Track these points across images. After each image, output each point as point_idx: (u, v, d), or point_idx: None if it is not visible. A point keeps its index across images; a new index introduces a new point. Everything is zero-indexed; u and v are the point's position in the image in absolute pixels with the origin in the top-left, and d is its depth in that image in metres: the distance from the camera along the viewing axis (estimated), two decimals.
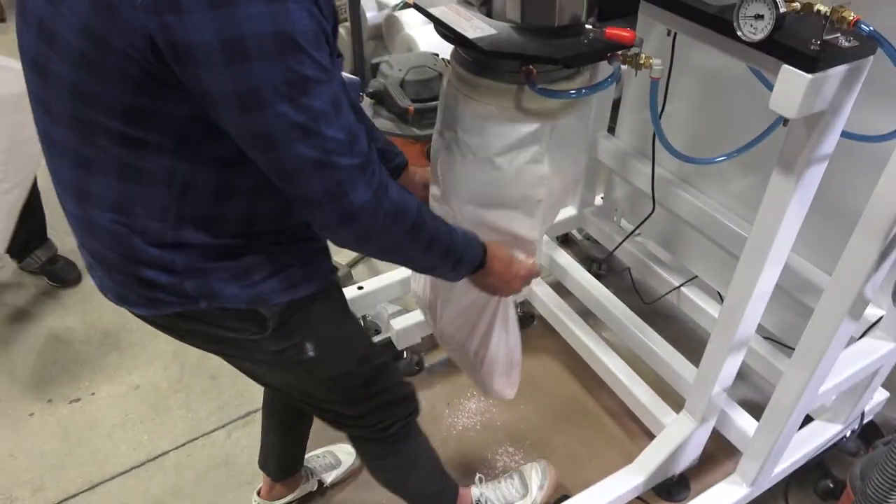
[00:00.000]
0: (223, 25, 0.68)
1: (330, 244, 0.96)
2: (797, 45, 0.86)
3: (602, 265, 2.16)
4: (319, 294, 1.00)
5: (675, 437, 1.45)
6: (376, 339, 1.90)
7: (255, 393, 1.76)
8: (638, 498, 1.52)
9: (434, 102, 2.11)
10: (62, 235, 2.16)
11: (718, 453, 1.63)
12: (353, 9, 2.65)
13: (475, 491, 1.50)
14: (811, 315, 1.12)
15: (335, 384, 1.12)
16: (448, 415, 1.78)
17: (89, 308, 2.09)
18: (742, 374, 1.75)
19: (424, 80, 2.11)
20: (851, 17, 0.84)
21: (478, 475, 1.58)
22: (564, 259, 1.94)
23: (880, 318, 1.36)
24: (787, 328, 1.60)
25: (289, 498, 1.55)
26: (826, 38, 0.86)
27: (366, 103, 2.19)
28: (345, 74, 1.82)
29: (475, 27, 0.94)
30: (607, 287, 1.86)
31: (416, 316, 1.82)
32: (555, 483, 1.56)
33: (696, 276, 1.81)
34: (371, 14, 2.90)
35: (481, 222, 1.11)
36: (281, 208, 0.91)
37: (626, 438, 1.73)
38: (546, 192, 1.08)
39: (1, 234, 1.74)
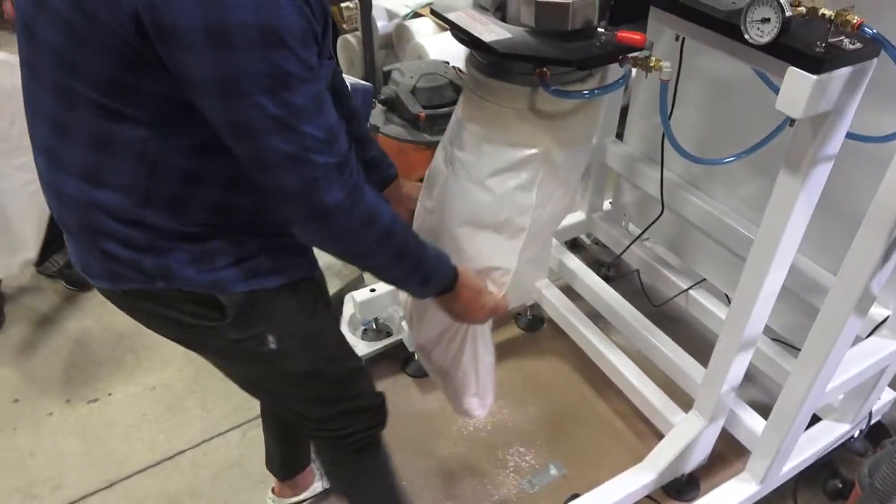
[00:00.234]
0: (209, 11, 0.68)
1: None
2: (803, 47, 0.89)
3: (610, 269, 2.19)
4: (288, 287, 0.99)
5: (685, 435, 1.47)
6: (387, 341, 1.93)
7: None
8: (648, 497, 1.54)
9: (445, 109, 2.14)
10: None
11: (727, 454, 1.64)
12: (365, 19, 2.69)
13: None
14: (818, 315, 1.15)
15: (301, 381, 1.09)
16: (459, 416, 1.80)
17: (105, 311, 2.12)
18: (750, 377, 1.78)
19: (435, 87, 2.14)
20: (855, 21, 0.87)
21: None
22: (574, 263, 1.96)
23: (886, 318, 1.38)
24: (795, 329, 1.62)
25: (302, 496, 1.57)
26: (831, 40, 0.89)
27: (377, 110, 2.22)
28: (358, 81, 1.86)
29: (491, 31, 0.97)
30: (616, 291, 1.89)
31: None
32: None
33: (704, 279, 1.83)
34: (381, 24, 2.95)
35: (464, 241, 1.13)
36: (256, 204, 0.90)
37: (636, 439, 1.75)
38: (530, 222, 1.09)
39: (34, 235, 1.78)
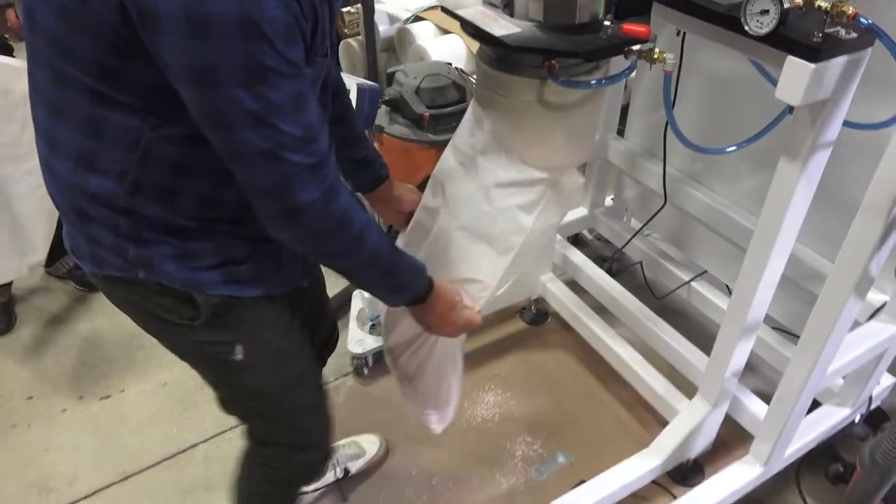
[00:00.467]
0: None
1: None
2: (800, 37, 0.93)
3: (613, 264, 2.22)
4: (267, 299, 0.99)
5: (690, 421, 1.50)
6: None
7: None
8: (653, 482, 1.58)
9: (448, 109, 2.19)
10: None
11: (731, 440, 1.68)
12: (368, 23, 2.73)
13: None
14: (819, 297, 1.19)
15: (257, 397, 1.08)
16: (467, 407, 1.84)
17: (115, 311, 2.11)
18: (752, 366, 1.82)
19: (439, 88, 2.19)
20: (851, 11, 0.91)
21: None
22: (578, 257, 2.00)
23: (885, 304, 1.42)
24: (795, 318, 1.65)
25: (314, 486, 1.60)
26: (827, 31, 0.93)
27: (382, 110, 2.26)
28: (365, 81, 1.90)
29: (501, 26, 1.01)
30: (619, 284, 1.92)
31: None
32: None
33: (706, 272, 1.87)
34: (383, 28, 2.99)
35: (456, 246, 1.13)
36: (245, 198, 0.89)
37: (641, 428, 1.78)
38: (521, 243, 1.09)
39: (43, 238, 1.81)
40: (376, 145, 2.29)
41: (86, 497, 1.65)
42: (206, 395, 1.89)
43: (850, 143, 1.17)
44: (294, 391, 1.11)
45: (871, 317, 1.44)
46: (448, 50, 2.62)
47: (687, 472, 1.63)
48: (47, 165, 0.89)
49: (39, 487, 1.67)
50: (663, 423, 1.64)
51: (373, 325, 1.99)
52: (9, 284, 2.11)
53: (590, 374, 1.93)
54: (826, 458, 1.66)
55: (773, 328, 1.69)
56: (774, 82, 1.00)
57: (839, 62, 0.95)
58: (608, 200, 2.17)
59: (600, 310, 1.92)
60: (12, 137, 1.74)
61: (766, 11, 0.94)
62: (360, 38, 2.89)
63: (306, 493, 1.60)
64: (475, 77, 2.35)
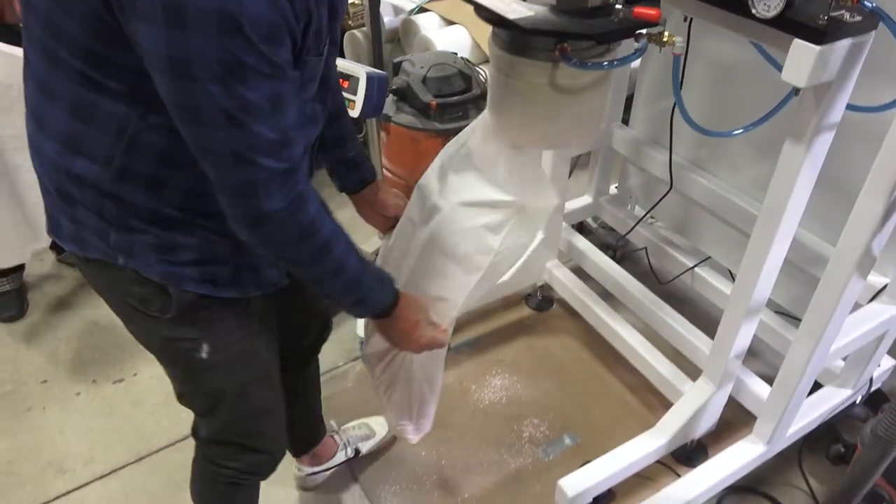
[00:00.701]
0: None
1: None
2: (806, 20, 0.96)
3: (617, 251, 2.25)
4: (240, 301, 0.99)
5: (695, 401, 1.53)
6: None
7: None
8: (658, 462, 1.61)
9: (455, 98, 2.21)
10: None
11: (734, 422, 1.71)
12: (374, 14, 2.76)
13: None
14: (822, 277, 1.22)
15: (213, 395, 1.09)
16: (475, 390, 1.87)
17: None
18: (755, 351, 1.85)
19: (445, 77, 2.21)
20: None
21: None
22: (583, 243, 2.03)
23: (886, 286, 1.45)
24: (798, 302, 1.69)
25: (325, 465, 1.63)
26: (832, 14, 0.96)
27: (389, 99, 2.29)
28: (374, 69, 1.92)
29: (514, 10, 1.04)
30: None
31: None
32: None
33: (709, 257, 1.90)
34: (388, 19, 3.01)
35: (429, 262, 1.12)
36: None
37: (646, 411, 1.82)
38: (489, 263, 1.08)
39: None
40: (383, 135, 2.32)
41: (101, 477, 1.68)
42: None
43: (852, 127, 1.20)
44: (253, 394, 1.11)
45: (872, 299, 1.47)
46: (453, 40, 2.64)
47: (691, 453, 1.66)
48: (34, 144, 0.89)
49: (56, 468, 1.70)
50: (668, 406, 1.67)
51: None
52: (21, 272, 2.14)
53: (595, 359, 1.96)
54: (827, 439, 1.70)
55: (776, 312, 1.72)
56: (778, 67, 1.03)
57: (844, 45, 0.98)
58: (612, 189, 2.20)
59: (605, 296, 1.95)
60: (21, 129, 1.76)
61: None
62: (364, 29, 2.92)
63: (317, 472, 1.63)
64: (481, 67, 2.38)
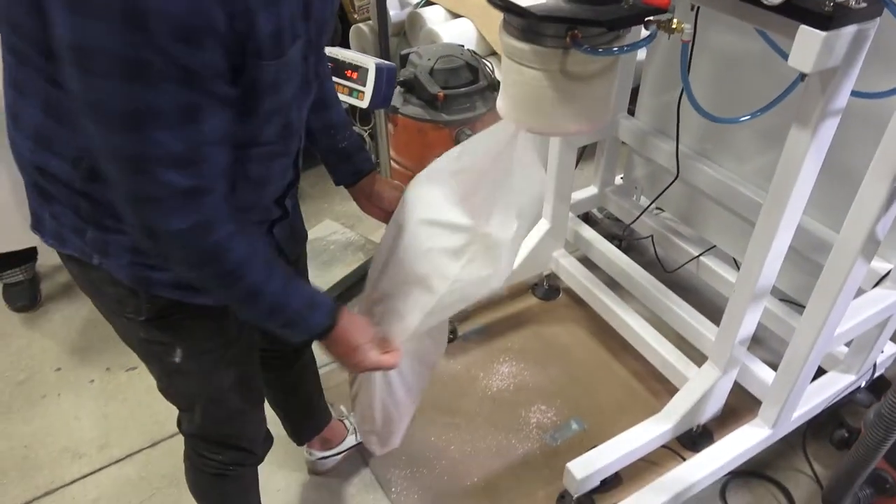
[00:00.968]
0: None
1: None
2: (812, 6, 0.98)
3: (623, 241, 2.28)
4: (216, 309, 0.97)
5: (701, 386, 1.56)
6: None
7: None
8: (664, 446, 1.63)
9: (462, 89, 2.23)
10: None
11: (739, 409, 1.73)
12: (381, 8, 2.78)
13: None
14: (827, 260, 1.24)
15: (189, 396, 1.11)
16: (482, 377, 1.90)
17: None
18: (759, 339, 1.87)
19: (452, 69, 2.23)
20: None
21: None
22: (589, 233, 2.06)
23: (889, 272, 1.47)
24: (802, 290, 1.71)
25: (335, 450, 1.65)
26: (838, 0, 0.98)
27: (396, 91, 2.31)
28: (383, 61, 1.95)
29: None
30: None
31: None
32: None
33: (714, 246, 1.92)
34: (393, 12, 3.03)
35: (394, 276, 1.07)
36: None
37: (652, 397, 1.84)
38: (446, 290, 0.99)
39: None
40: (390, 126, 2.34)
41: (116, 462, 1.71)
42: None
43: (856, 114, 1.22)
44: (228, 399, 1.11)
45: (876, 285, 1.49)
46: (459, 33, 2.67)
47: (696, 439, 1.69)
48: (12, 141, 0.87)
49: (72, 452, 1.73)
50: (673, 393, 1.70)
51: None
52: (34, 262, 2.17)
53: (601, 347, 1.99)
54: (831, 424, 1.72)
55: (781, 300, 1.74)
56: (784, 55, 1.05)
57: (849, 31, 1.00)
58: (618, 179, 2.22)
59: (611, 284, 1.97)
60: None
61: None
62: (370, 22, 2.94)
63: (327, 457, 1.66)
64: (488, 59, 2.40)
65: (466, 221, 0.96)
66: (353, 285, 2.12)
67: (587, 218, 2.37)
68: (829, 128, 1.13)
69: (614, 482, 1.62)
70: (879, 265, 1.48)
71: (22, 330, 2.07)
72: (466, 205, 1.04)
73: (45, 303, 2.17)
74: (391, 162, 2.29)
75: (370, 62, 1.93)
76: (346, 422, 1.69)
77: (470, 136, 2.24)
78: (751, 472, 1.66)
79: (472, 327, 2.04)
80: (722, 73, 1.70)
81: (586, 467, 1.46)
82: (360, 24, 3.07)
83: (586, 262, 2.07)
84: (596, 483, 1.51)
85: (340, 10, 3.01)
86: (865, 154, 1.17)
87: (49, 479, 1.67)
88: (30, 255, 2.12)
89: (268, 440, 1.30)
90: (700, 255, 1.90)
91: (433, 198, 0.98)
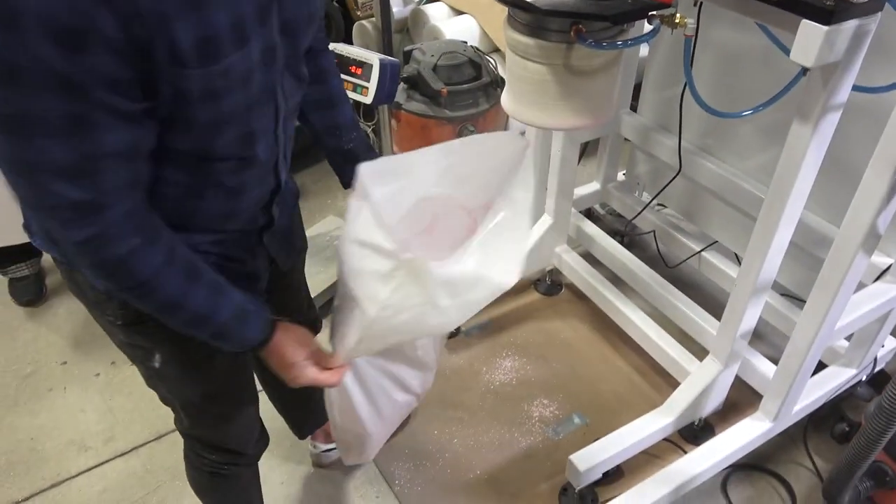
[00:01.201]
0: None
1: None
2: (814, 1, 0.99)
3: (625, 237, 2.29)
4: None
5: (702, 379, 1.57)
6: None
7: None
8: (666, 440, 1.65)
9: (465, 85, 2.24)
10: None
11: (740, 403, 1.74)
12: (384, 5, 2.79)
13: None
14: (829, 253, 1.25)
15: (174, 401, 1.12)
16: (485, 372, 1.91)
17: None
18: (760, 334, 1.88)
19: (456, 65, 2.24)
20: None
21: None
22: (592, 229, 2.07)
23: (890, 266, 1.48)
24: (803, 284, 1.72)
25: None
26: None
27: (399, 88, 2.32)
28: (387, 57, 1.96)
29: None
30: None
31: None
32: None
33: (716, 242, 1.93)
34: (396, 9, 3.04)
35: (341, 288, 0.99)
36: (179, 203, 0.84)
37: (654, 392, 1.85)
38: (376, 315, 0.91)
39: None
40: (393, 122, 2.35)
41: (122, 454, 1.73)
42: None
43: (856, 109, 1.23)
44: (211, 405, 1.11)
45: (877, 279, 1.50)
46: (461, 30, 2.67)
47: (698, 432, 1.70)
48: None
49: (78, 445, 1.74)
50: (675, 388, 1.71)
51: None
52: (39, 257, 2.18)
53: (603, 342, 2.00)
54: (832, 418, 1.73)
55: (782, 294, 1.75)
56: (786, 50, 1.06)
57: (850, 25, 1.01)
58: (620, 176, 2.23)
59: (613, 280, 1.99)
60: None
61: None
62: (373, 19, 2.95)
63: (331, 449, 1.68)
64: (490, 55, 2.41)
65: (389, 245, 0.87)
66: None
67: (590, 214, 2.38)
68: (831, 122, 1.14)
69: (616, 475, 1.63)
70: (880, 259, 1.49)
71: (28, 324, 2.09)
72: (407, 224, 0.97)
73: (50, 297, 2.18)
74: None
75: (374, 58, 1.94)
76: None
77: (473, 132, 2.27)
78: (752, 465, 1.67)
79: (475, 322, 2.05)
80: (724, 69, 1.71)
81: (589, 459, 1.47)
82: (364, 21, 3.08)
83: (589, 257, 2.08)
84: (598, 475, 1.52)
85: (343, 7, 3.02)
86: (866, 149, 1.18)
87: (55, 472, 1.69)
88: (35, 249, 2.13)
89: (261, 441, 1.29)
90: (702, 250, 1.91)
91: (364, 214, 0.89)
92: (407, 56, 2.37)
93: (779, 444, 1.69)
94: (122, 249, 0.74)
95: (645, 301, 1.92)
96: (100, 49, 0.62)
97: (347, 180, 1.14)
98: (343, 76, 1.90)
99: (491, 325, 2.05)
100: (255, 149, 0.85)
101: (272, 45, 0.79)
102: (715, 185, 1.75)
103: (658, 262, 2.10)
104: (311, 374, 0.96)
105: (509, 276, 0.94)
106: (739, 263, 1.88)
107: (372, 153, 1.14)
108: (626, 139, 2.06)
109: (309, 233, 1.25)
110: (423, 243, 1.02)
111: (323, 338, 1.20)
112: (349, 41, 2.99)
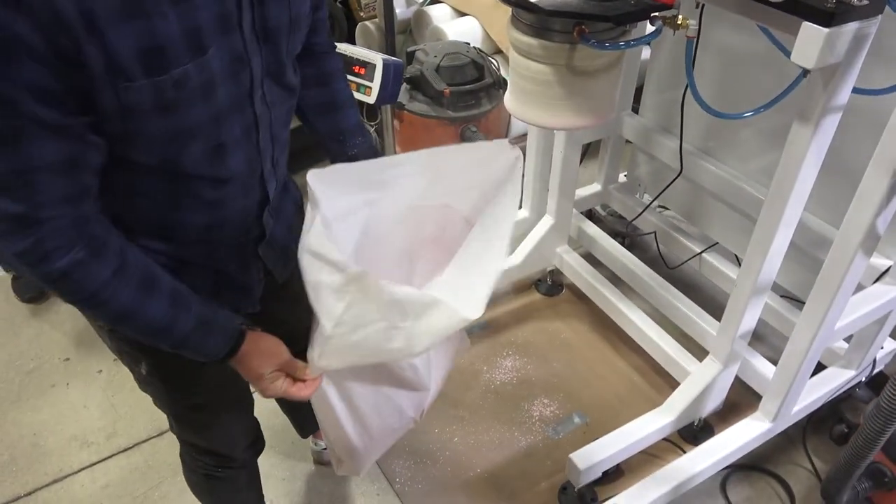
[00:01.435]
0: None
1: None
2: (815, 3, 1.00)
3: (626, 239, 2.30)
4: None
5: (702, 379, 1.58)
6: None
7: None
8: (665, 439, 1.65)
9: (467, 86, 2.26)
10: None
11: (740, 404, 1.75)
12: (388, 6, 2.80)
13: None
14: (828, 255, 1.26)
15: (161, 405, 1.12)
16: (486, 371, 1.92)
17: None
18: (761, 335, 1.89)
19: (458, 66, 2.26)
20: None
21: None
22: (593, 229, 2.08)
23: (889, 268, 1.49)
24: (803, 285, 1.73)
25: None
26: None
27: (402, 88, 2.33)
28: (390, 57, 1.97)
29: None
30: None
31: None
32: None
33: (717, 243, 1.94)
34: (400, 10, 3.05)
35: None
36: (162, 214, 0.83)
37: (654, 392, 1.86)
38: (331, 332, 0.87)
39: None
40: (396, 122, 2.36)
41: (124, 450, 1.73)
42: None
43: (856, 111, 1.24)
44: (199, 415, 1.11)
45: (876, 281, 1.51)
46: (464, 31, 2.69)
47: (698, 432, 1.70)
48: None
49: (80, 440, 1.75)
50: (675, 387, 1.72)
51: None
52: None
53: (604, 342, 2.01)
54: (831, 419, 1.74)
55: (782, 296, 1.76)
56: (786, 52, 1.07)
57: (851, 28, 1.02)
58: (621, 177, 2.24)
59: (614, 280, 2.00)
60: None
61: None
62: (376, 20, 2.96)
63: None
64: (493, 57, 2.42)
65: (337, 257, 0.83)
66: None
67: (591, 215, 2.39)
68: (831, 124, 1.15)
69: (615, 474, 1.64)
70: (879, 261, 1.50)
71: (31, 320, 2.10)
72: (402, 233, 0.94)
73: (52, 295, 2.19)
74: None
75: (378, 58, 1.95)
76: None
77: (475, 132, 2.28)
78: (751, 465, 1.68)
79: (476, 322, 2.05)
80: (725, 71, 1.72)
81: (589, 458, 1.48)
82: (367, 22, 3.09)
83: (589, 258, 2.09)
84: (598, 474, 1.53)
85: (346, 7, 3.03)
86: (866, 150, 1.19)
87: (58, 467, 1.70)
88: None
89: (255, 445, 1.28)
90: (702, 251, 1.92)
91: (316, 225, 0.85)
92: (410, 57, 2.39)
93: (778, 444, 1.70)
94: (63, 262, 0.72)
95: (645, 302, 1.93)
96: (23, 59, 0.60)
97: None
98: (346, 76, 1.92)
99: (492, 324, 2.06)
100: (226, 161, 0.82)
101: (238, 54, 0.76)
102: (716, 186, 1.76)
103: (658, 263, 2.11)
104: (279, 386, 0.93)
105: (473, 311, 0.89)
106: (739, 265, 1.89)
107: (377, 158, 1.07)
108: (627, 141, 2.07)
109: None
110: (431, 254, 1.00)
111: None
112: (352, 42, 3.00)
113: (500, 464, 1.69)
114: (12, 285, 2.16)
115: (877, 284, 1.49)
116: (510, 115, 2.04)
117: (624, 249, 2.01)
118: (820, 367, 1.63)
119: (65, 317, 2.11)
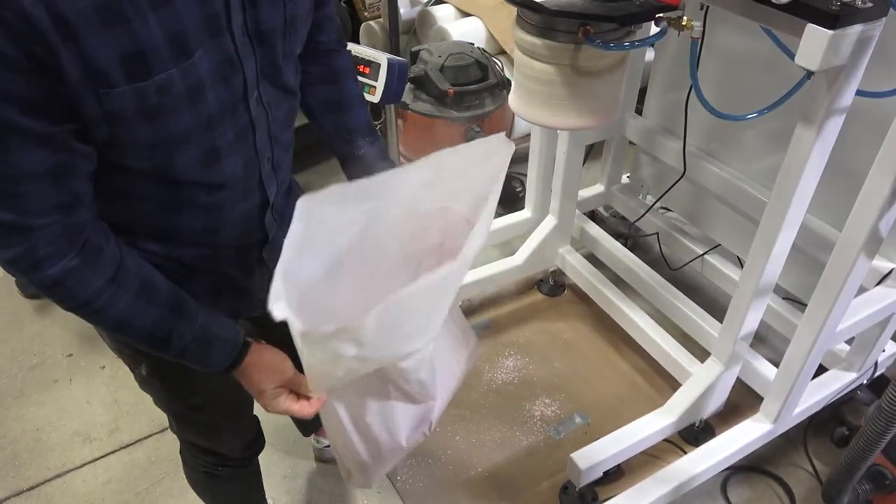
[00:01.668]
0: None
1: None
2: (820, 5, 1.00)
3: (628, 239, 2.30)
4: None
5: (704, 380, 1.58)
6: None
7: None
8: (666, 440, 1.66)
9: (472, 86, 2.26)
10: None
11: (741, 406, 1.75)
12: (392, 6, 2.81)
13: None
14: (831, 256, 1.26)
15: (160, 405, 1.13)
16: (487, 370, 1.92)
17: None
18: (762, 337, 1.90)
19: (462, 66, 2.26)
20: None
21: None
22: (595, 230, 2.08)
23: (891, 271, 1.49)
24: (805, 288, 1.73)
25: None
26: (844, 0, 1.01)
27: (406, 88, 2.34)
28: (395, 56, 1.97)
29: None
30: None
31: None
32: None
33: (719, 245, 1.94)
34: (404, 10, 3.06)
35: None
36: (160, 216, 0.83)
37: (656, 393, 1.86)
38: (307, 371, 0.83)
39: None
40: (400, 122, 2.37)
41: (126, 446, 1.74)
42: None
43: (860, 114, 1.24)
44: (198, 416, 1.12)
45: (878, 283, 1.51)
46: (468, 31, 2.69)
47: (699, 434, 1.71)
48: None
49: (83, 436, 1.76)
50: (676, 388, 1.72)
51: None
52: None
53: (605, 343, 2.01)
54: (832, 422, 1.74)
55: (784, 298, 1.76)
56: (790, 54, 1.07)
57: (855, 30, 1.02)
58: (624, 178, 2.24)
59: (616, 281, 2.00)
60: None
61: None
62: (380, 20, 2.96)
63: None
64: (497, 57, 2.43)
65: (285, 314, 0.77)
66: None
67: (593, 215, 2.39)
68: (834, 126, 1.16)
69: (616, 474, 1.65)
70: (882, 264, 1.50)
71: (34, 316, 2.10)
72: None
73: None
74: (400, 157, 2.32)
75: (382, 57, 1.95)
76: None
77: (479, 132, 2.28)
78: (752, 466, 1.68)
79: (479, 321, 2.06)
80: (729, 73, 1.72)
81: (590, 458, 1.48)
82: (371, 22, 3.10)
83: (592, 259, 2.09)
84: (599, 474, 1.54)
85: (351, 7, 3.03)
86: (869, 153, 1.19)
87: (60, 462, 1.70)
88: None
89: (254, 445, 1.28)
90: (705, 253, 1.93)
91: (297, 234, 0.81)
92: (414, 56, 2.39)
93: (779, 446, 1.70)
94: (55, 270, 0.72)
95: (647, 303, 1.93)
96: (6, 68, 0.60)
97: None
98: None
99: (494, 324, 2.06)
100: (221, 166, 0.81)
101: (229, 57, 0.74)
102: (718, 188, 1.77)
103: (661, 265, 2.11)
104: (282, 403, 0.90)
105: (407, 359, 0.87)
106: (742, 266, 1.89)
107: (386, 162, 1.04)
108: (630, 142, 2.08)
109: None
110: (437, 259, 0.96)
111: None
112: (356, 42, 3.01)
113: (502, 463, 1.70)
114: (16, 281, 2.17)
115: (879, 287, 1.49)
116: (514, 115, 2.04)
117: (626, 250, 2.01)
118: (821, 370, 1.63)
119: (67, 315, 2.09)
